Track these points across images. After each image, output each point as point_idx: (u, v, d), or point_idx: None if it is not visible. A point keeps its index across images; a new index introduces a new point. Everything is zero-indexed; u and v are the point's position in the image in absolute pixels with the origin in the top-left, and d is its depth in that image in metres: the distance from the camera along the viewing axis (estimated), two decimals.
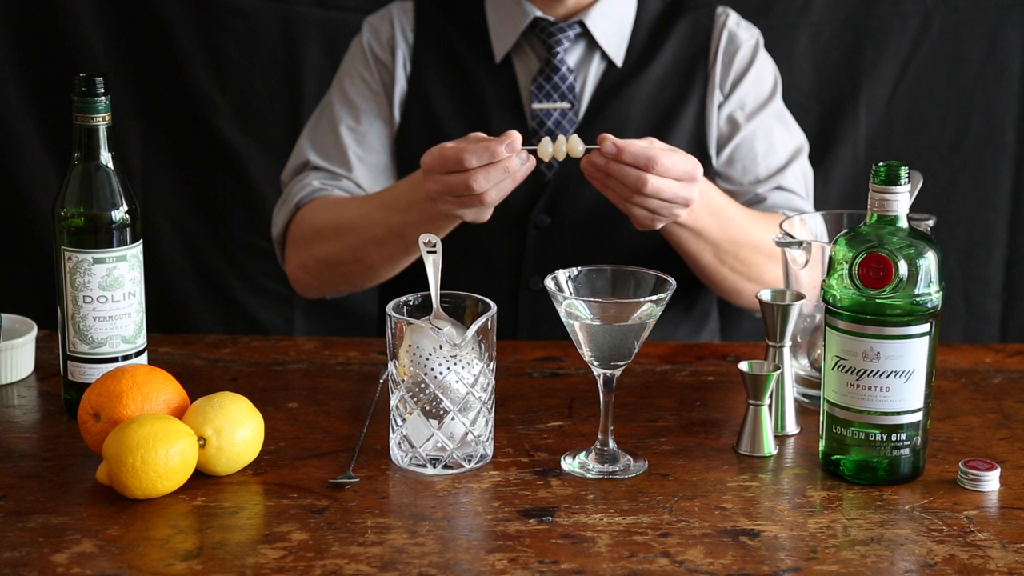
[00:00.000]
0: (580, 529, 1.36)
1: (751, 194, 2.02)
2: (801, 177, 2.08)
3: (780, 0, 2.57)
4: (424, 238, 1.51)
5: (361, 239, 1.93)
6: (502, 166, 1.68)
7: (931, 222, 1.64)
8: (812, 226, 1.73)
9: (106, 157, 1.55)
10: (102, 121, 1.54)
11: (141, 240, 1.58)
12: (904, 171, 1.42)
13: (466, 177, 1.68)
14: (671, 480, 1.46)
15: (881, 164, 1.42)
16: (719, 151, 2.06)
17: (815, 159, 2.22)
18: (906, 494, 1.44)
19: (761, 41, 2.11)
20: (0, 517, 1.36)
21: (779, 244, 1.63)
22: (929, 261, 1.42)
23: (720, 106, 2.06)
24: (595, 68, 2.05)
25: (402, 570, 1.28)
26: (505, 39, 2.05)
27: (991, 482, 1.45)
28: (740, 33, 2.09)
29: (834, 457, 1.47)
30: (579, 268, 1.51)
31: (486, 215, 1.76)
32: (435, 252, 1.51)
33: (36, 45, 2.58)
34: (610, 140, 1.71)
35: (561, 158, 1.71)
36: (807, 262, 1.62)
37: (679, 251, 1.93)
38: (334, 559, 1.29)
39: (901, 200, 1.42)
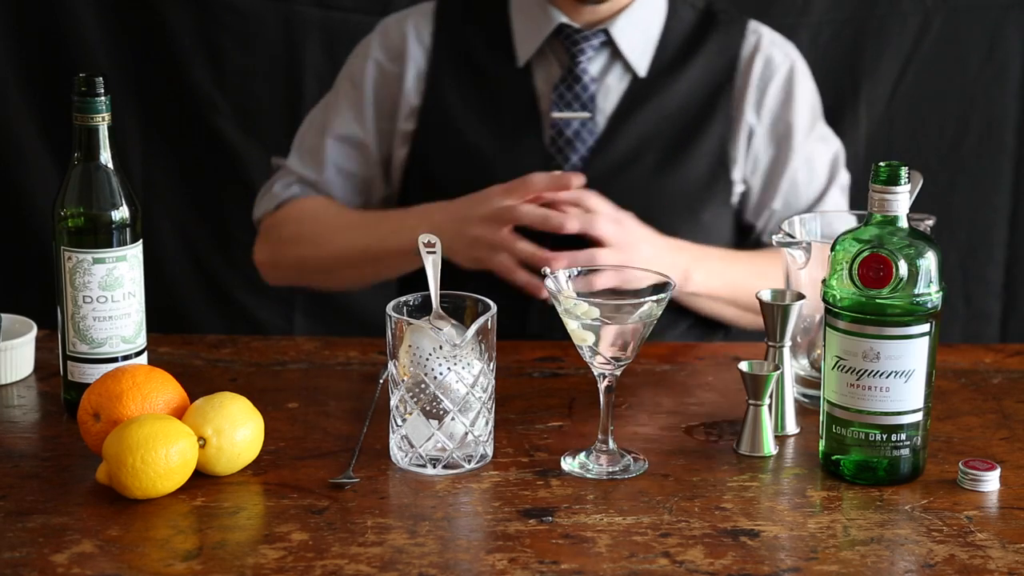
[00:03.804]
0: (580, 529, 1.36)
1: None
2: (840, 194, 2.09)
3: (780, 0, 2.57)
4: (423, 238, 1.51)
5: (333, 256, 2.02)
6: (528, 251, 1.82)
7: (931, 222, 1.64)
8: (811, 227, 1.73)
9: (106, 157, 1.55)
10: (102, 121, 1.54)
11: (141, 240, 1.58)
12: (904, 171, 1.42)
13: (512, 206, 1.83)
14: (671, 480, 1.46)
15: (881, 164, 1.42)
16: (753, 176, 2.06)
17: None
18: (906, 494, 1.44)
19: (798, 63, 2.09)
20: (0, 517, 1.36)
21: (779, 244, 1.63)
22: (929, 261, 1.42)
23: (753, 133, 2.04)
24: (617, 78, 2.03)
25: (402, 570, 1.28)
26: (529, 44, 2.03)
27: (991, 482, 1.45)
28: (775, 56, 2.06)
29: (834, 457, 1.47)
30: (579, 268, 1.50)
31: (499, 259, 1.85)
32: (435, 252, 1.50)
33: (36, 45, 2.59)
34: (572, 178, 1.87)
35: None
36: (807, 262, 1.62)
37: (703, 314, 2.02)
38: (334, 559, 1.29)
39: (901, 200, 1.42)
